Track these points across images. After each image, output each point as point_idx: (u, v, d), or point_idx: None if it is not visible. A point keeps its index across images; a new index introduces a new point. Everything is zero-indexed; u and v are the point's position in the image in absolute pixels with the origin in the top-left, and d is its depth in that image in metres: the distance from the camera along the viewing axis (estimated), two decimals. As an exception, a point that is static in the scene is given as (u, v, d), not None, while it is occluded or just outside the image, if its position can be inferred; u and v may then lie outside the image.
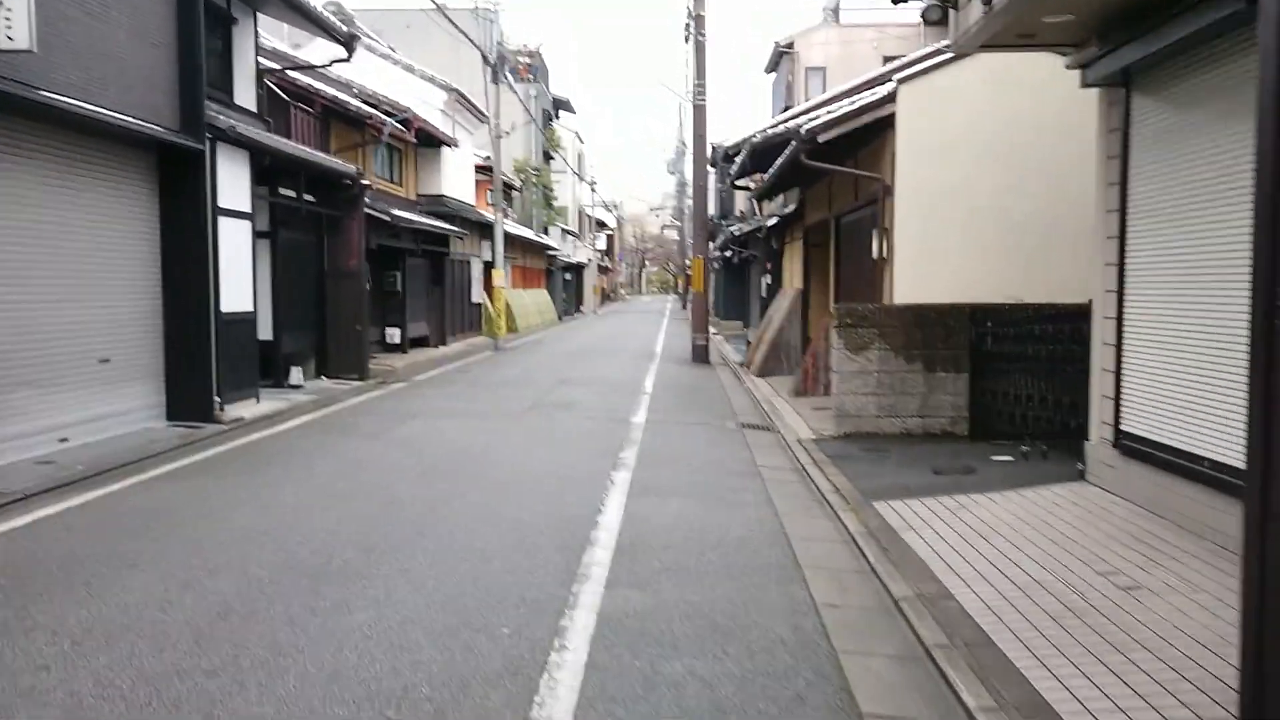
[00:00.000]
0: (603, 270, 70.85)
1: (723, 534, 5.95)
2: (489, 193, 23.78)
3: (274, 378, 14.04)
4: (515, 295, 32.74)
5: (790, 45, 33.71)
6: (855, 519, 6.30)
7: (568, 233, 48.33)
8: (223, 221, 11.42)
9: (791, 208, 16.87)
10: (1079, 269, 9.54)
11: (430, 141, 22.53)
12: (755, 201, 21.21)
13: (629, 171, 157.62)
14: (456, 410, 11.76)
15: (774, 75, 37.33)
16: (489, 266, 25.72)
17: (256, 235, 13.51)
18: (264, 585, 4.82)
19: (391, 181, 21.46)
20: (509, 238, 30.85)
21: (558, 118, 53.24)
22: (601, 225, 69.11)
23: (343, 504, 6.64)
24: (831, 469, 8.03)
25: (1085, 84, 6.25)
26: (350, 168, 15.18)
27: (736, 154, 27.03)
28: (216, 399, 11.13)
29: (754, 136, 19.22)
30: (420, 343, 22.48)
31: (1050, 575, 4.92)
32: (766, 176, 14.24)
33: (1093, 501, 6.42)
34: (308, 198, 14.61)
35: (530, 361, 19.81)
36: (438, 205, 23.13)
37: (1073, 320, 8.31)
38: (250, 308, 12.26)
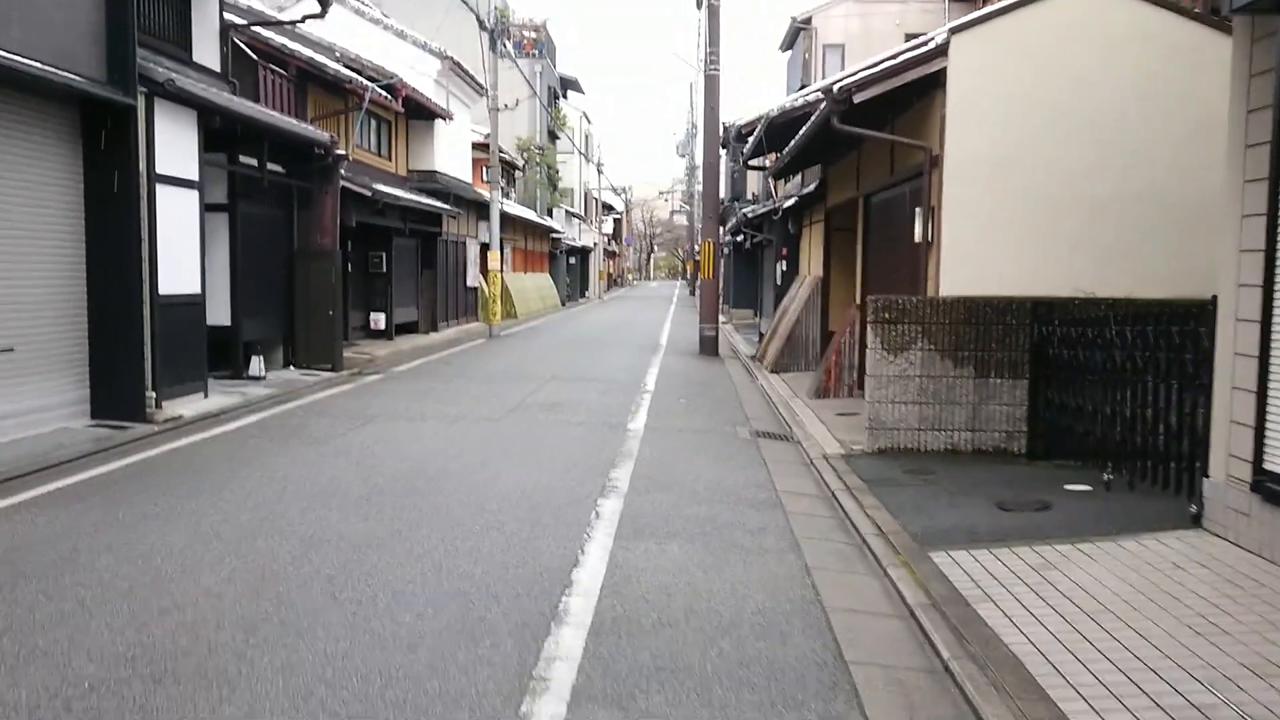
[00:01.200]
0: (609, 255, 69.28)
1: (738, 605, 4.44)
2: (486, 170, 22.26)
3: (232, 368, 12.58)
4: (515, 279, 31.23)
5: (808, 20, 32.05)
6: (911, 580, 4.79)
7: (573, 215, 46.75)
8: (162, 190, 9.92)
9: (812, 187, 15.31)
10: (1168, 259, 8.00)
11: (421, 113, 20.97)
12: (771, 182, 19.63)
13: (638, 156, 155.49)
14: (428, 410, 10.26)
15: (789, 53, 35.70)
16: (486, 248, 24.19)
17: (210, 208, 12.02)
18: (73, 697, 3.34)
19: (378, 155, 19.94)
20: (508, 219, 29.32)
21: (565, 97, 51.57)
22: (609, 209, 67.48)
23: (246, 545, 5.16)
24: (869, 499, 6.51)
25: (1233, 9, 4.70)
26: (322, 135, 13.65)
27: (750, 133, 25.44)
28: (151, 394, 9.66)
29: (771, 111, 17.66)
30: (409, 329, 21.01)
31: (1213, 694, 3.41)
32: (786, 150, 12.70)
33: (1225, 562, 4.90)
34: (273, 168, 13.10)
35: (524, 351, 18.31)
36: (429, 182, 21.60)
37: (1165, 321, 6.77)
38: (198, 289, 10.78)
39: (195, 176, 10.62)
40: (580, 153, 48.06)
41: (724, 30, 36.52)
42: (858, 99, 8.15)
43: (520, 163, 36.46)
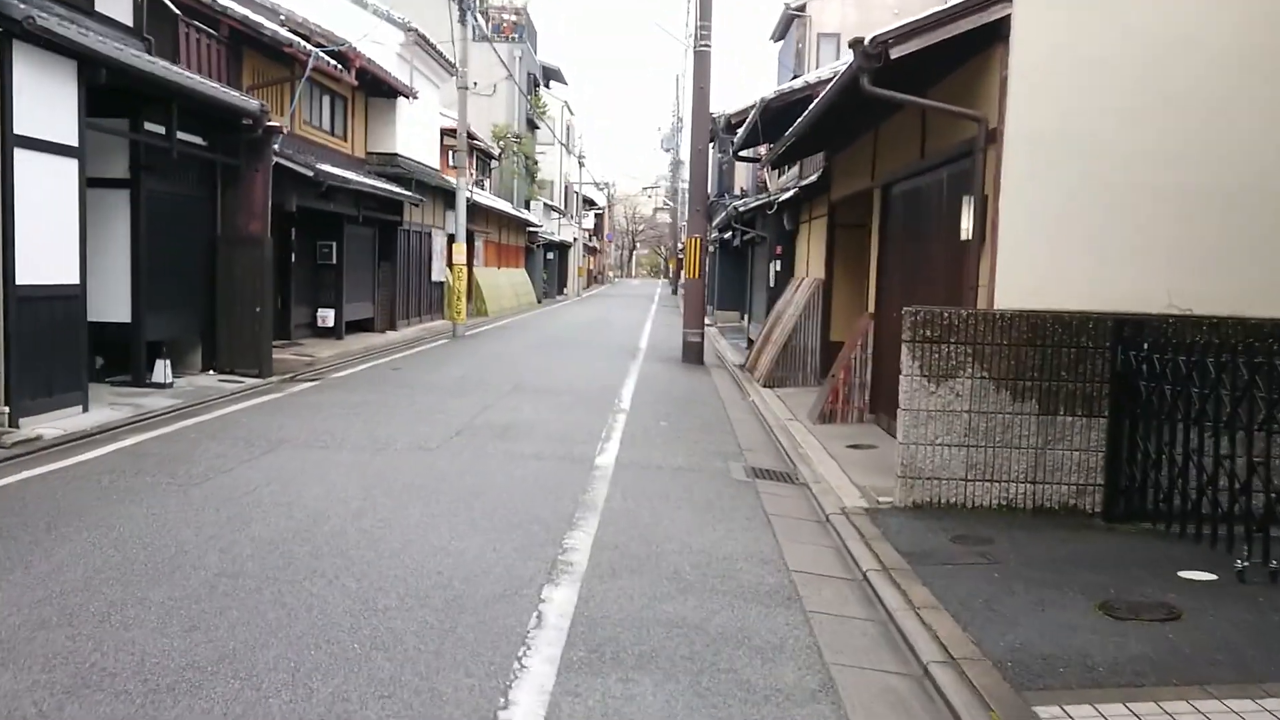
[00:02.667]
0: (590, 251, 67.39)
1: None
2: (453, 154, 20.38)
3: (133, 374, 10.66)
4: (487, 275, 29.33)
5: (802, 8, 30.38)
6: (1024, 773, 2.98)
7: (552, 209, 44.82)
8: (24, 157, 8.02)
9: (814, 178, 13.54)
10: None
11: (381, 89, 19.03)
12: (768, 171, 17.85)
13: (622, 151, 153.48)
14: (352, 434, 8.39)
15: (781, 44, 34.02)
16: (454, 240, 22.20)
17: (105, 183, 10.16)
18: None
19: (331, 134, 17.99)
20: (480, 210, 27.41)
21: (547, 87, 49.62)
22: (590, 204, 65.56)
23: (-22, 688, 3.30)
24: (918, 589, 4.72)
25: None
26: (249, 103, 11.72)
27: (740, 123, 23.68)
28: (3, 408, 7.76)
29: (767, 95, 15.88)
30: (363, 327, 19.10)
31: None
32: (790, 130, 10.92)
33: None
34: (190, 139, 11.18)
35: (488, 355, 16.42)
36: (389, 166, 19.67)
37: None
38: (75, 279, 8.88)
39: (74, 141, 8.71)
40: (561, 143, 46.12)
41: (714, 23, 34.93)
42: (895, 53, 6.35)
43: (496, 151, 34.51)
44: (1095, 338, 6.19)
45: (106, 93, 9.77)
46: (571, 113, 54.46)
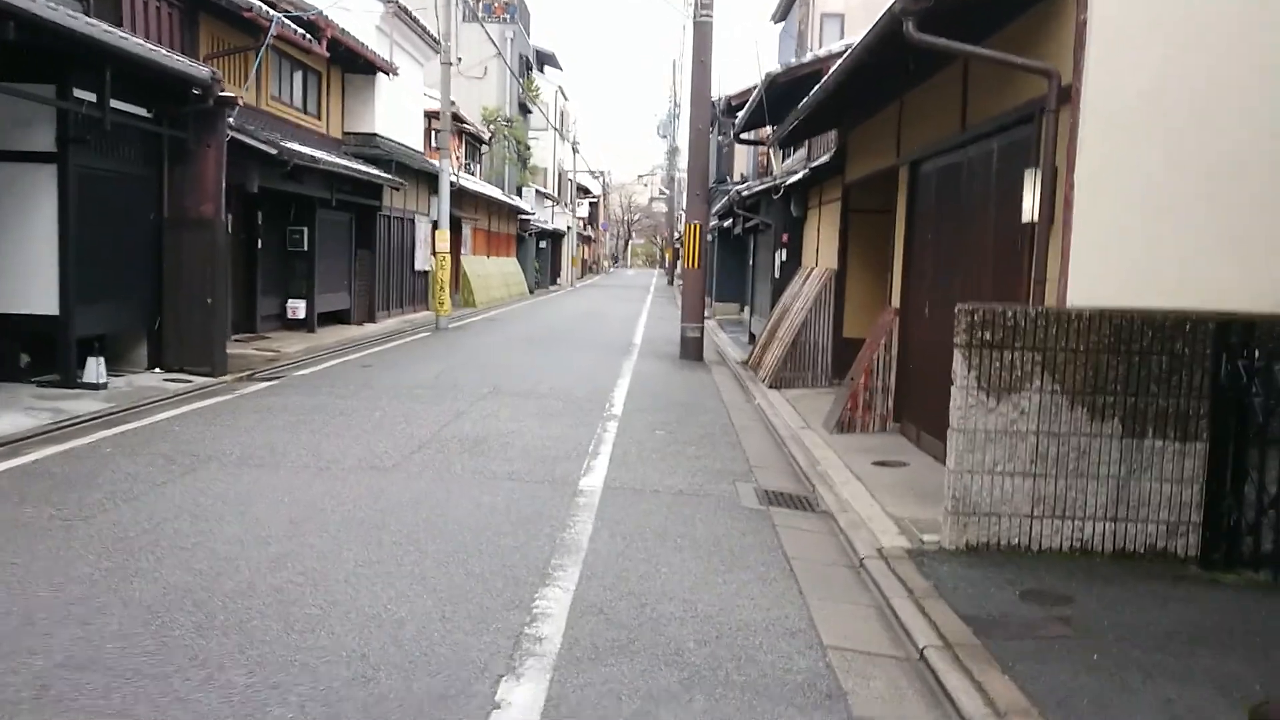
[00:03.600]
0: (585, 240, 66.12)
1: None
2: (436, 135, 19.13)
3: (61, 373, 9.46)
4: (475, 264, 28.10)
5: (805, -14, 29.19)
6: None
7: (545, 196, 43.53)
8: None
9: (826, 158, 12.34)
10: None
11: (358, 64, 17.76)
12: (772, 154, 16.63)
13: (618, 140, 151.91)
14: (295, 448, 7.19)
15: (782, 25, 32.75)
16: (438, 227, 20.88)
17: (24, 156, 8.94)
18: None
19: (303, 111, 16.73)
20: (468, 195, 26.17)
21: (540, 71, 48.26)
22: (585, 192, 64.26)
23: None
24: (997, 680, 3.55)
25: None
26: (198, 70, 10.48)
27: (741, 105, 22.53)
28: (-120, 420, 6.56)
29: (773, 70, 14.68)
30: (339, 318, 17.87)
31: None
32: (806, 101, 9.73)
33: None
34: (125, 107, 9.93)
35: (470, 350, 15.22)
36: (367, 146, 18.42)
37: None
38: (-23, 267, 7.65)
39: (-27, 105, 7.49)
40: (554, 128, 44.77)
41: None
42: (949, -9, 5.14)
43: (486, 135, 33.23)
44: (1193, 343, 5.02)
45: (28, 54, 8.58)
46: (566, 98, 53.10)
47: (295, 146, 13.64)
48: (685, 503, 6.16)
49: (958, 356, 5.15)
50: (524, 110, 40.69)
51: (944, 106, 7.67)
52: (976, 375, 5.13)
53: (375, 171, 17.41)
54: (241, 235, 14.72)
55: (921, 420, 8.14)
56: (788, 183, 14.37)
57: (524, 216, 36.88)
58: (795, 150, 17.54)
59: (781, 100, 13.86)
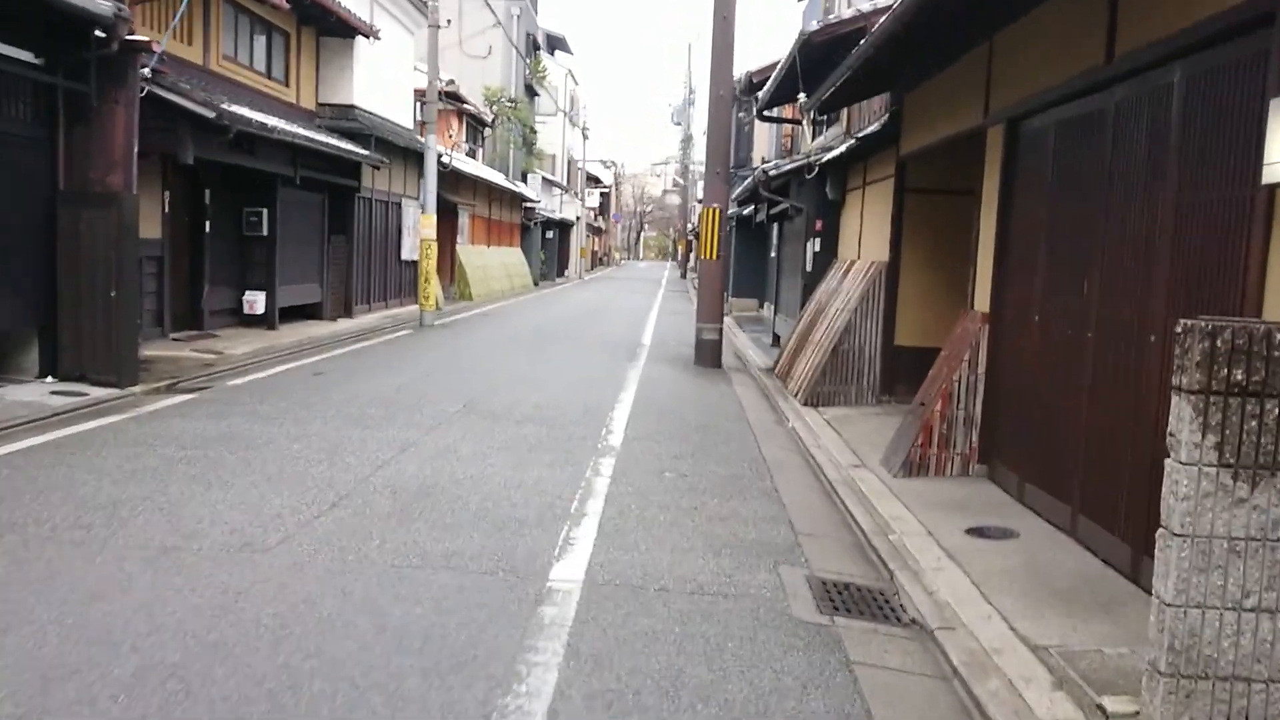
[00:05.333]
0: (594, 231, 63.97)
1: None
2: (422, 106, 16.99)
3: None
4: (473, 254, 26.00)
5: (833, -44, 26.96)
6: None
7: (552, 184, 41.37)
8: None
9: (875, 127, 10.18)
10: None
11: (331, 24, 15.65)
12: (806, 127, 14.41)
13: (630, 134, 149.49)
14: (139, 513, 5.06)
15: (805, 2, 30.59)
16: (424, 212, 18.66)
17: None
18: None
19: (267, 77, 14.63)
20: (467, 179, 24.06)
21: (550, 54, 46.08)
22: (596, 181, 62.10)
23: None
24: None
25: None
26: (100, 4, 8.36)
27: (763, 82, 20.32)
28: None
29: (809, 27, 12.49)
30: (308, 313, 15.79)
31: None
32: (855, 53, 7.60)
33: None
34: (3, 50, 7.84)
35: (450, 353, 13.10)
36: (344, 119, 16.31)
37: None
38: None
39: None
40: (564, 112, 42.60)
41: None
42: None
43: (489, 117, 31.08)
44: None
45: None
46: (576, 82, 50.91)
47: (243, 110, 11.53)
48: (707, 613, 4.02)
49: (1182, 409, 2.99)
50: (530, 93, 38.54)
51: (1069, 37, 5.48)
52: (1217, 443, 2.96)
53: (349, 147, 15.29)
54: (185, 216, 12.65)
55: (1025, 466, 5.98)
56: (824, 160, 12.19)
57: (529, 204, 34.76)
58: (828, 127, 15.34)
59: (816, 69, 11.69)
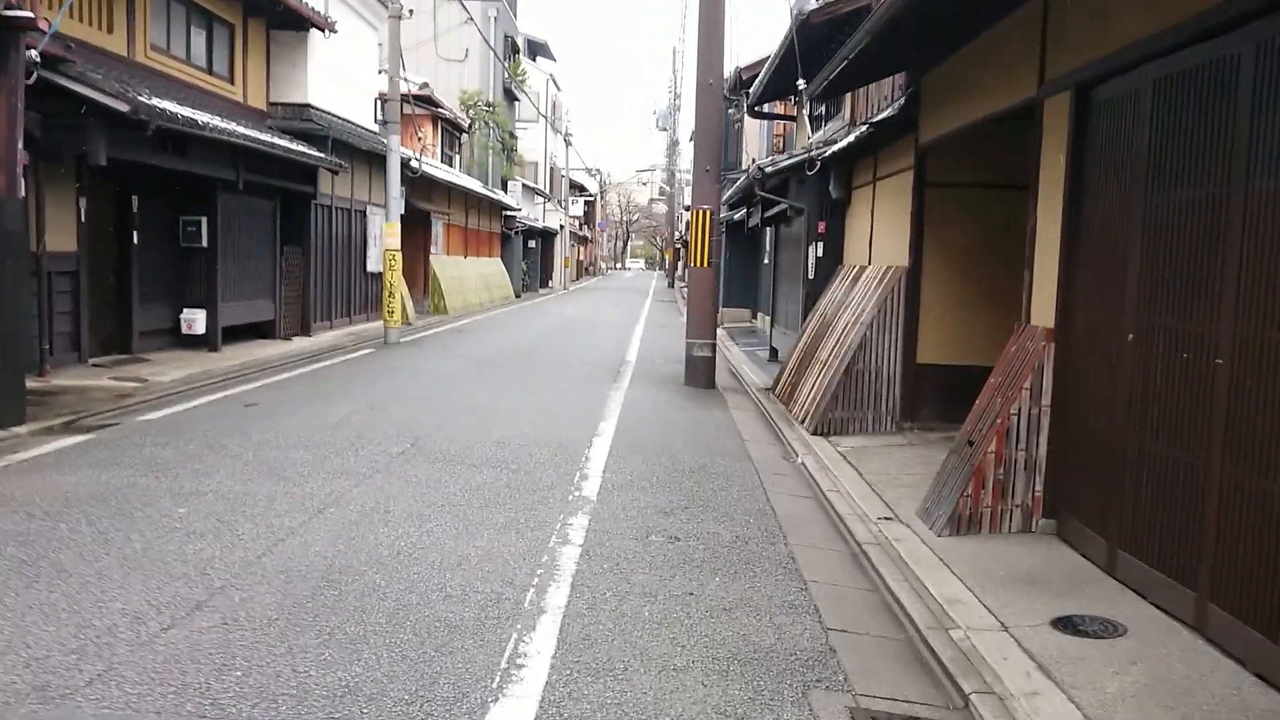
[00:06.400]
0: (579, 240, 62.59)
1: None
2: (383, 104, 15.57)
3: None
4: (448, 265, 24.59)
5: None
6: None
7: (534, 191, 40.00)
8: None
9: (890, 112, 8.86)
10: None
11: (278, 13, 14.26)
12: (791, 132, 13.08)
13: (616, 140, 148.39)
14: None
15: (796, -3, 29.17)
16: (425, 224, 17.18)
17: None
18: None
19: (208, 73, 13.22)
20: (441, 186, 22.69)
21: (533, 60, 44.76)
22: (580, 190, 60.73)
23: None
24: None
25: None
26: (-36, -30, 6.96)
27: (752, 78, 19.05)
28: None
29: (808, 6, 11.17)
30: (261, 331, 14.35)
31: None
32: (871, 17, 6.29)
33: None
34: None
35: (409, 377, 11.68)
36: (298, 119, 14.91)
37: None
38: None
39: None
40: (545, 117, 41.23)
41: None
42: None
43: (465, 122, 29.69)
44: None
45: None
46: (559, 88, 49.62)
47: (168, 106, 10.12)
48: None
49: None
50: (510, 97, 37.19)
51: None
52: None
53: (300, 148, 13.87)
54: (108, 226, 11.22)
55: (1116, 527, 4.62)
56: (827, 154, 10.86)
57: (509, 213, 33.37)
58: (827, 122, 14.03)
59: (813, 55, 10.38)
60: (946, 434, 8.37)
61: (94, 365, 10.58)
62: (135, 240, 11.47)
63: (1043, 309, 5.56)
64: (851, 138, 9.68)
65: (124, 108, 9.18)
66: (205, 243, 12.48)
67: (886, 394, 8.62)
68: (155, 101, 9.92)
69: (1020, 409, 5.42)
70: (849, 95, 12.17)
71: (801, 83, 10.52)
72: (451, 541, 4.88)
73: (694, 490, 6.32)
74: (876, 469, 7.15)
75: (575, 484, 6.28)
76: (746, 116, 26.64)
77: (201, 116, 10.82)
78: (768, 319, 18.14)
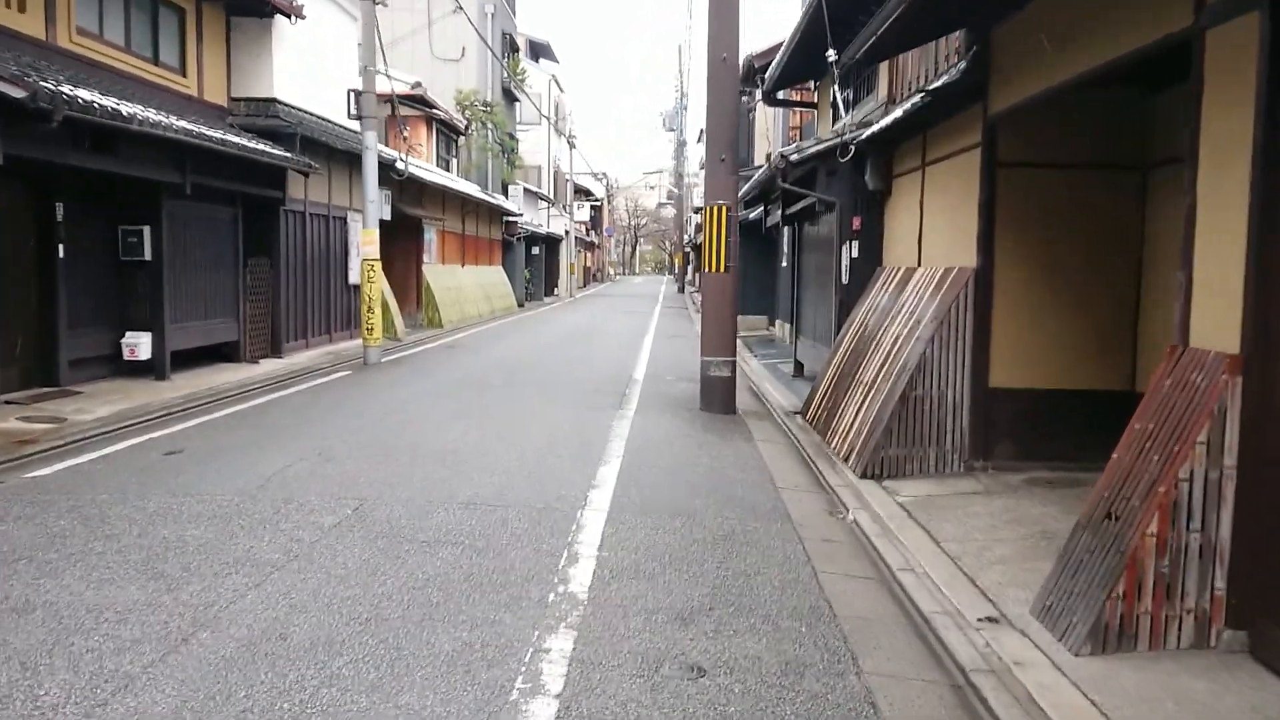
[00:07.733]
0: (586, 246, 61.02)
1: None
2: (356, 98, 13.99)
3: None
4: (443, 274, 23.03)
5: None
6: None
7: (537, 196, 38.43)
8: None
9: (951, 75, 7.22)
10: None
11: (239, 2, 12.70)
12: (811, 120, 11.43)
13: (623, 144, 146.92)
14: None
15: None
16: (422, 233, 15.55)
17: None
18: None
19: (154, 63, 11.67)
20: (433, 190, 21.11)
21: (535, 61, 43.22)
22: (586, 194, 59.18)
23: None
24: None
25: None
26: None
27: (765, 67, 17.51)
28: None
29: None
30: (221, 355, 12.78)
31: None
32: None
33: None
34: None
35: (381, 409, 10.07)
36: (262, 115, 13.35)
37: None
38: None
39: None
40: (546, 118, 39.63)
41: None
42: None
43: (463, 124, 28.13)
44: None
45: None
46: (561, 89, 48.05)
47: (83, 95, 8.55)
48: None
49: None
50: (510, 98, 35.64)
51: None
52: None
53: (262, 147, 12.28)
54: (27, 238, 9.66)
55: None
56: (863, 136, 9.22)
57: (510, 218, 31.79)
58: (854, 108, 12.37)
59: (836, 33, 8.75)
60: (1028, 475, 6.73)
61: (5, 403, 9.01)
62: (61, 254, 9.90)
63: (1214, 326, 3.90)
64: (899, 112, 8.02)
65: (19, 94, 7.60)
66: (149, 255, 10.91)
67: (952, 426, 6.96)
68: (72, 90, 8.37)
69: (1192, 472, 3.77)
70: (884, 73, 10.55)
71: (831, 53, 8.88)
72: (364, 697, 3.25)
73: (721, 576, 4.68)
74: (955, 533, 5.49)
75: (560, 571, 4.65)
76: (758, 110, 25.02)
77: (130, 109, 9.24)
78: (787, 326, 16.49)
